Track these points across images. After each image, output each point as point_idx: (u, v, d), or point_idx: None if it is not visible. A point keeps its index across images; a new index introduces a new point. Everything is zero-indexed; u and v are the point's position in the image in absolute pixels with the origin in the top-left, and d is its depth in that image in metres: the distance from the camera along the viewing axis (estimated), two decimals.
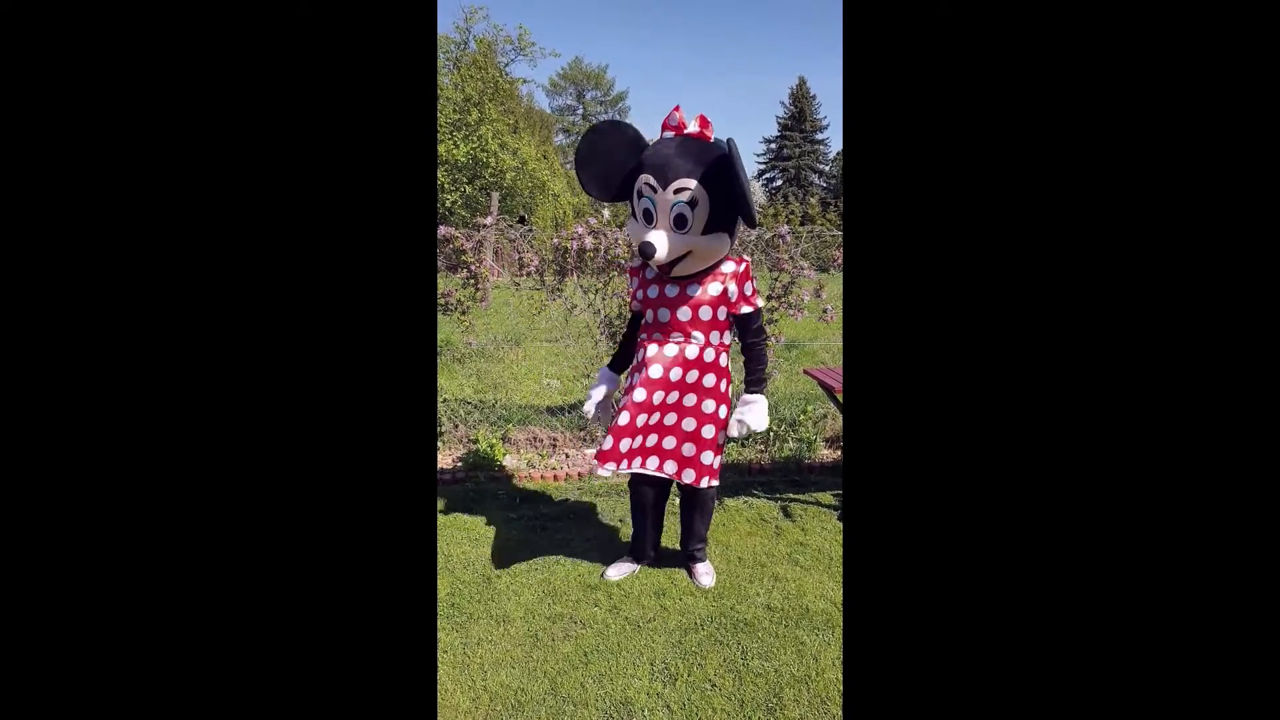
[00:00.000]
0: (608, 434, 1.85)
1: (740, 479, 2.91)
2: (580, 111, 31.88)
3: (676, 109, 1.81)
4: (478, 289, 3.15)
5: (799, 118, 33.82)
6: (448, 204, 13.75)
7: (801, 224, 3.48)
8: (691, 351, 1.85)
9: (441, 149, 13.46)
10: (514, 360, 4.97)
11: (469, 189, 14.01)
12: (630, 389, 1.88)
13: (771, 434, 3.20)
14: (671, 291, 1.84)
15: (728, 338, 1.92)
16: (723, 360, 1.90)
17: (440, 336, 5.07)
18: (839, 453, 3.17)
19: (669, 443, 1.87)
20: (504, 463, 3.00)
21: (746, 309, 1.89)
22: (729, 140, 1.68)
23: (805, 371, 2.91)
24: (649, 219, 1.76)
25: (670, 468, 1.88)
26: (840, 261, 3.17)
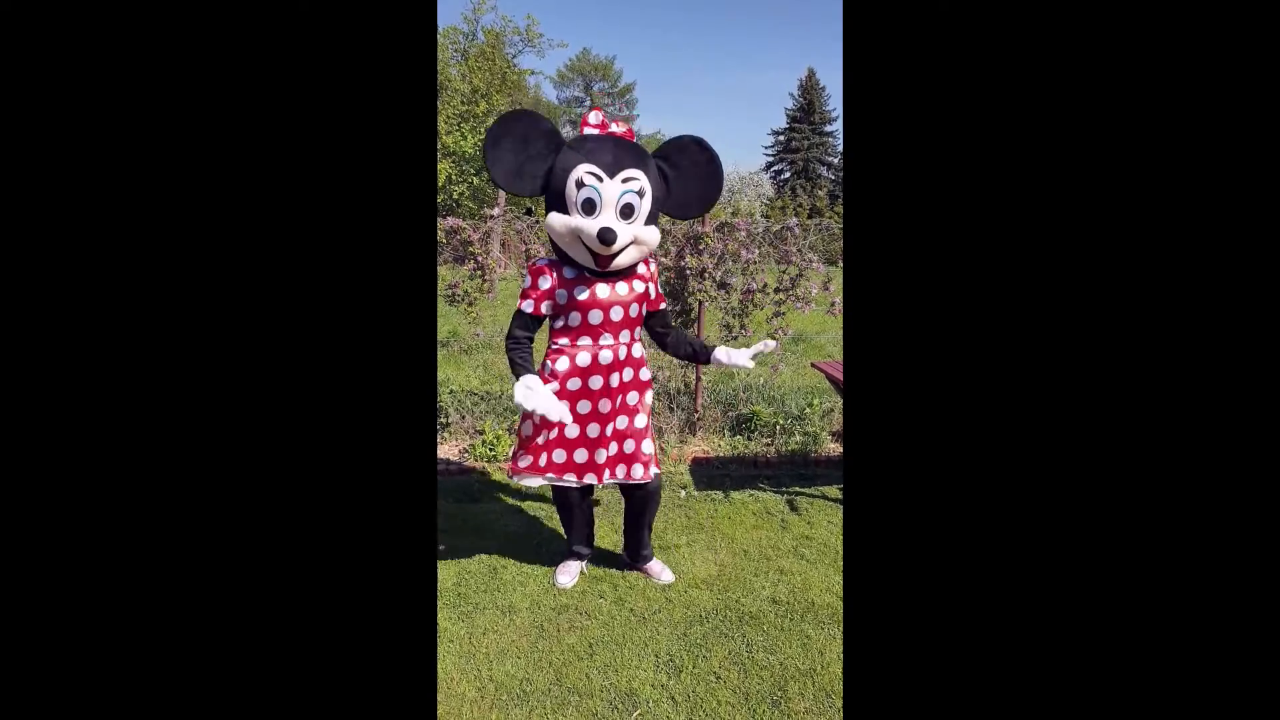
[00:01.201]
0: (552, 446, 1.84)
1: (746, 472, 2.90)
2: (588, 103, 31.79)
3: (597, 108, 1.88)
4: (485, 280, 3.15)
5: (808, 110, 33.62)
6: (455, 195, 13.75)
7: (810, 217, 3.46)
8: (621, 352, 1.85)
9: (449, 141, 13.45)
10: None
11: (476, 181, 14.00)
12: (570, 397, 1.82)
13: (778, 427, 3.19)
14: (603, 291, 1.80)
15: (639, 331, 1.95)
16: (639, 351, 1.92)
17: (447, 328, 5.08)
18: (843, 446, 3.16)
19: (628, 446, 1.90)
20: (510, 453, 3.00)
21: (663, 305, 1.99)
22: (692, 136, 1.86)
23: (813, 365, 2.90)
24: (590, 209, 1.72)
25: (637, 471, 1.91)
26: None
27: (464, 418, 3.29)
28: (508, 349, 1.84)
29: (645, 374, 1.93)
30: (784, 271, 3.12)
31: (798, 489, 2.71)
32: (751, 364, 1.91)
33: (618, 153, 1.75)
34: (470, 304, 3.15)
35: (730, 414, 3.37)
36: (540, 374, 1.81)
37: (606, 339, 1.83)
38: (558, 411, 1.70)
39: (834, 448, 3.15)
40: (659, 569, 2.05)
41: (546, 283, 1.82)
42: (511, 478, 1.93)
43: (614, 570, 2.06)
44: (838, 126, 33.85)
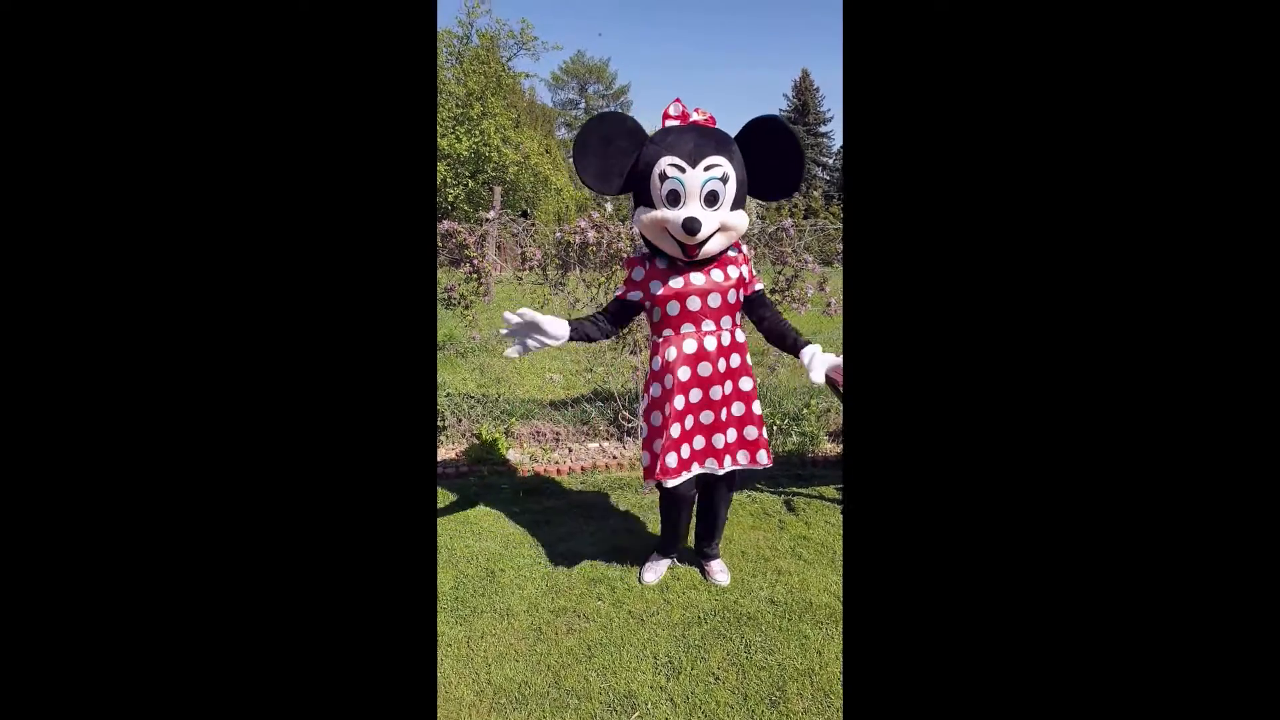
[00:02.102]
0: (675, 443, 1.82)
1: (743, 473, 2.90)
2: (583, 105, 31.80)
3: (678, 100, 1.83)
4: (480, 283, 3.15)
5: (802, 110, 33.67)
6: (450, 199, 13.74)
7: (805, 217, 3.47)
8: (725, 339, 1.83)
9: (444, 143, 13.44)
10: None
11: (471, 184, 14.00)
12: (668, 395, 1.81)
13: (775, 428, 3.19)
14: (698, 280, 1.80)
15: (740, 316, 1.93)
16: (741, 337, 1.90)
17: (443, 331, 5.08)
18: (842, 447, 3.16)
19: (750, 433, 1.87)
20: (507, 457, 3.00)
21: (758, 286, 1.94)
22: (775, 117, 1.82)
23: None
24: (674, 200, 1.72)
25: (762, 458, 1.88)
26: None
27: (460, 421, 3.29)
28: (585, 319, 1.89)
29: (749, 359, 1.90)
30: (780, 272, 3.13)
31: (795, 489, 2.71)
32: (821, 379, 1.75)
33: (699, 141, 1.73)
34: (466, 307, 3.15)
35: None
36: (650, 368, 1.89)
37: (709, 325, 1.83)
38: (517, 319, 1.73)
39: (831, 448, 3.16)
40: (716, 569, 2.04)
41: (640, 274, 1.85)
42: (652, 483, 1.89)
43: (612, 572, 2.06)
44: (832, 127, 33.93)
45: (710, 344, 1.82)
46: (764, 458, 1.89)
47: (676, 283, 1.80)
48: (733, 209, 1.76)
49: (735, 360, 1.85)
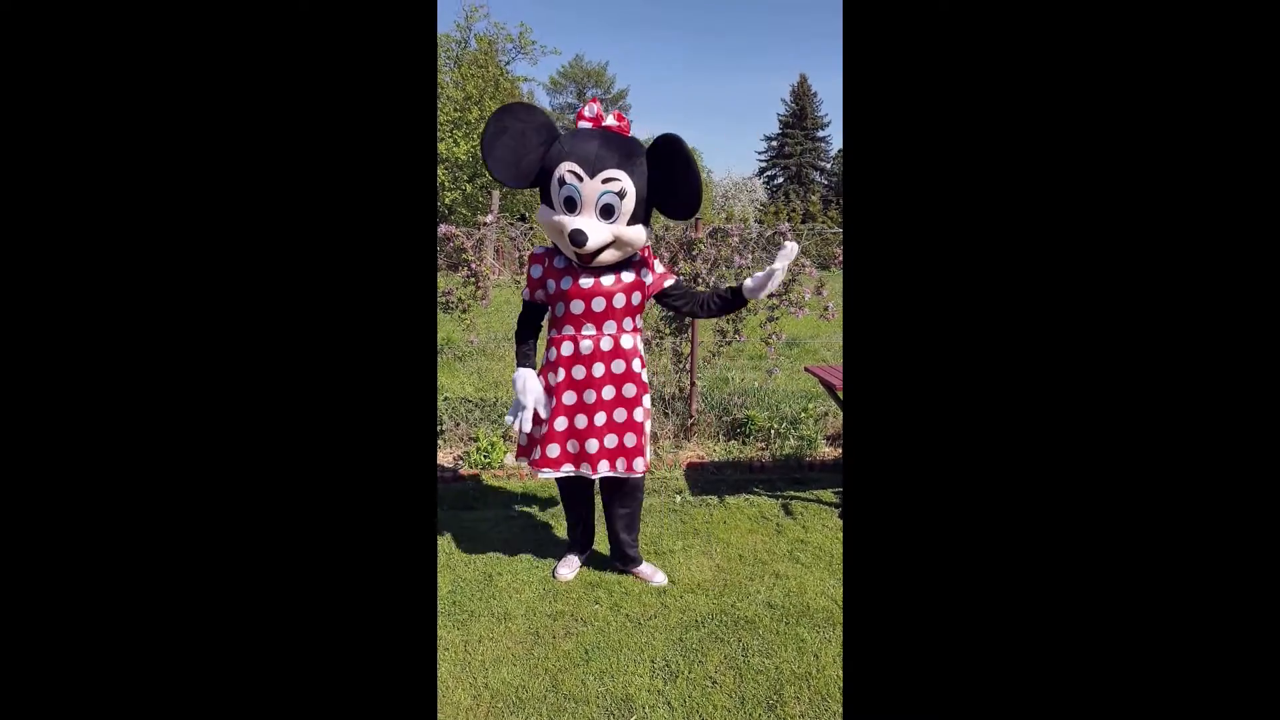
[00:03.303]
0: (542, 440, 1.90)
1: (741, 476, 2.91)
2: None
3: (594, 100, 1.84)
4: (478, 287, 3.15)
5: (800, 115, 33.78)
6: (448, 202, 13.75)
7: (803, 222, 3.48)
8: (607, 343, 1.85)
9: (441, 147, 13.45)
10: (514, 358, 4.96)
11: (469, 187, 14.00)
12: (554, 390, 1.88)
13: (773, 431, 3.20)
14: (586, 282, 1.82)
15: (639, 320, 1.93)
16: (639, 344, 1.92)
17: (441, 335, 5.08)
18: (840, 450, 3.17)
19: (610, 441, 1.88)
20: (505, 461, 3.00)
21: (669, 281, 1.93)
22: (674, 137, 1.72)
23: (806, 369, 2.91)
24: (571, 207, 1.73)
25: (621, 465, 1.90)
26: (840, 259, 3.16)
27: (458, 425, 3.29)
28: (516, 339, 1.97)
29: (639, 366, 1.89)
30: None
31: (793, 493, 2.71)
32: (781, 267, 1.78)
33: (601, 151, 1.72)
34: (464, 311, 3.15)
35: (725, 419, 3.37)
36: (546, 358, 1.92)
37: (588, 329, 1.84)
38: (524, 417, 1.85)
39: (828, 452, 3.16)
40: (650, 571, 2.05)
41: (538, 271, 1.90)
42: (527, 467, 2.00)
43: (610, 576, 2.06)
44: (829, 132, 34.04)
45: (586, 347, 1.85)
46: (639, 465, 1.90)
47: (566, 284, 1.84)
48: (631, 223, 1.76)
49: (619, 366, 1.87)
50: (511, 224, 3.33)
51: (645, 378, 1.92)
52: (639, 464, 1.90)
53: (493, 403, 3.58)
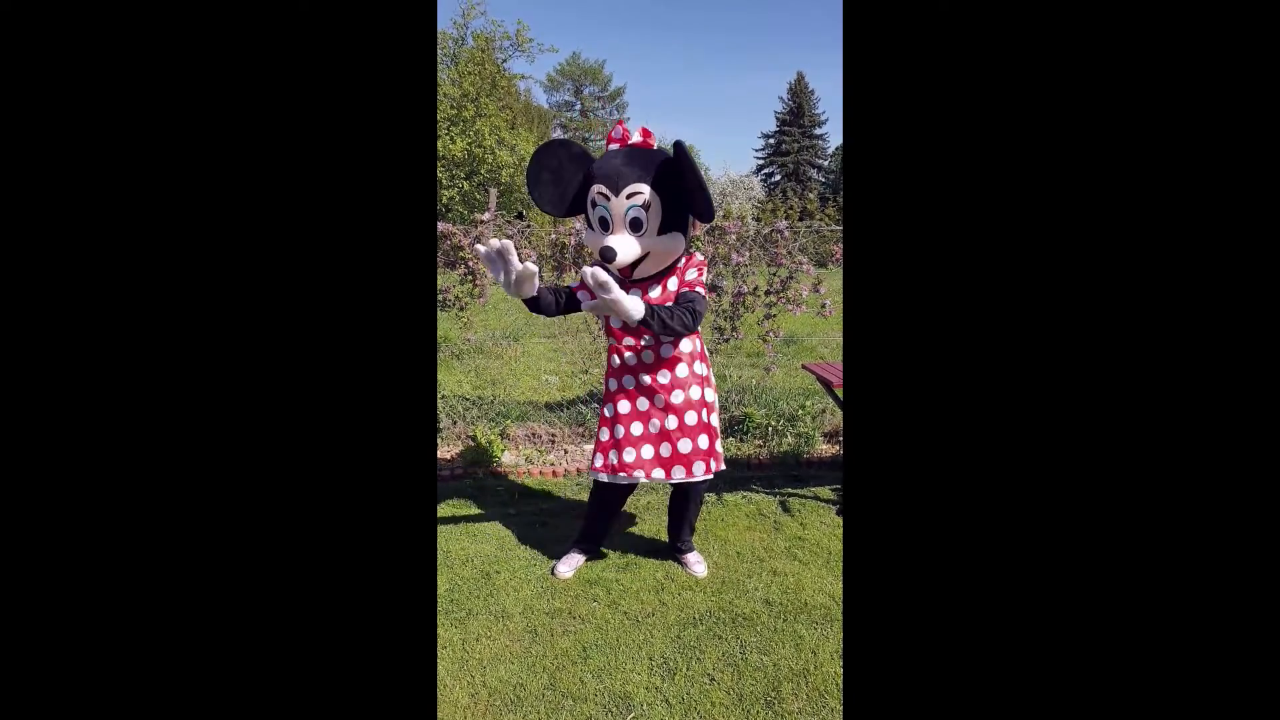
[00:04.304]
0: (606, 447, 1.96)
1: (739, 474, 2.91)
2: (578, 107, 31.82)
3: (620, 123, 1.91)
4: (476, 285, 3.15)
5: (797, 113, 33.77)
6: (445, 200, 13.72)
7: (800, 219, 3.47)
8: (647, 356, 1.92)
9: (438, 145, 13.43)
10: (512, 356, 4.97)
11: (466, 185, 13.98)
12: (613, 399, 1.96)
13: (770, 429, 3.20)
14: (635, 295, 1.85)
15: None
16: (697, 345, 1.97)
17: (439, 333, 5.07)
18: (837, 448, 3.17)
19: (684, 446, 1.93)
20: (502, 459, 3.00)
21: (684, 289, 1.87)
22: (677, 143, 1.73)
23: (804, 366, 2.91)
24: (605, 226, 1.80)
25: (678, 473, 1.94)
26: (838, 257, 3.17)
27: (456, 423, 3.28)
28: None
29: (703, 370, 1.96)
30: (774, 274, 3.13)
31: (790, 490, 2.71)
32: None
33: (623, 168, 1.77)
34: (461, 309, 3.14)
35: (723, 416, 3.38)
36: (607, 368, 2.00)
37: (646, 340, 1.91)
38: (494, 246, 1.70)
39: (826, 449, 3.17)
40: (694, 560, 2.11)
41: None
42: (596, 478, 2.03)
43: (608, 574, 2.06)
44: (827, 129, 34.04)
45: (631, 360, 1.93)
46: (681, 473, 1.93)
47: None
48: (664, 232, 1.79)
49: (664, 377, 1.92)
50: (509, 222, 3.32)
51: (711, 378, 2.00)
52: (698, 469, 1.94)
53: (490, 401, 3.57)
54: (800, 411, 3.32)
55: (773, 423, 3.23)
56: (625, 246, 1.76)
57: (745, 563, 2.13)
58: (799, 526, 2.39)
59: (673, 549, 2.15)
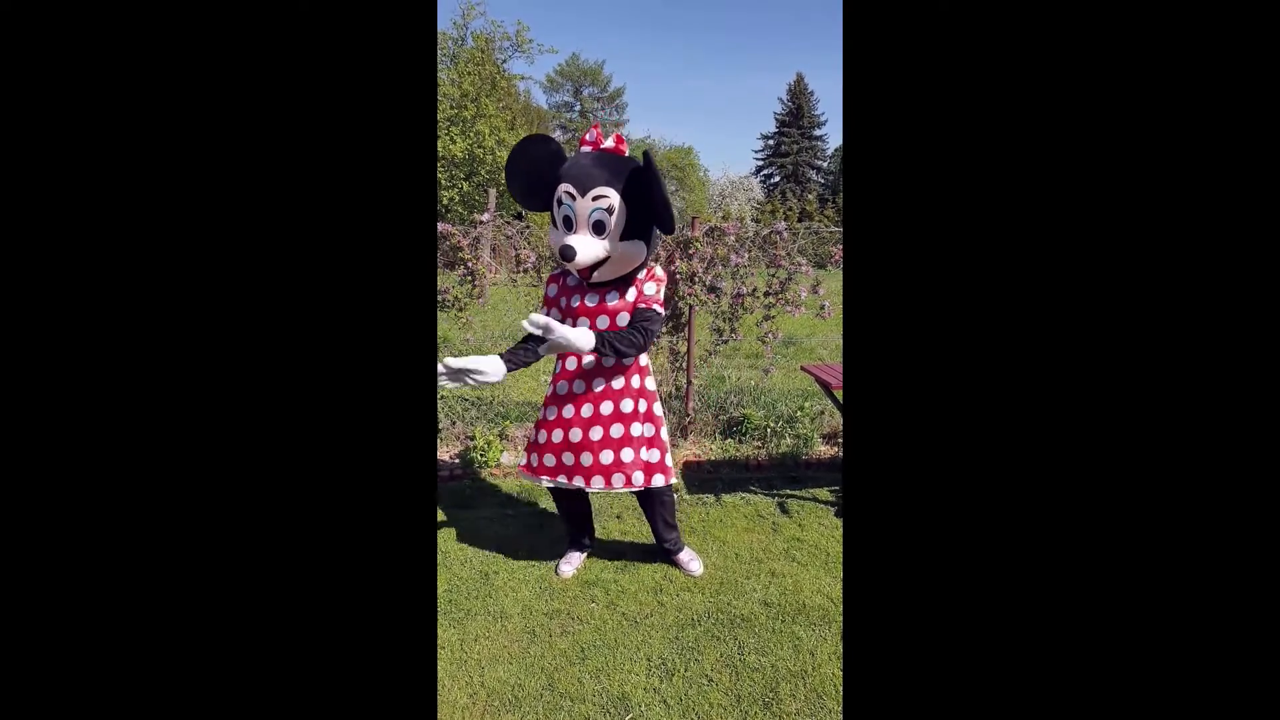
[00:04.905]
0: (530, 449, 1.99)
1: (737, 475, 2.91)
2: (578, 108, 31.82)
3: (595, 126, 1.92)
4: (475, 286, 3.15)
5: (797, 114, 33.81)
6: (444, 201, 13.72)
7: (799, 220, 3.48)
8: (609, 360, 1.88)
9: (438, 145, 13.42)
10: None
11: (466, 186, 13.98)
12: (551, 402, 1.96)
13: (769, 430, 3.20)
14: (591, 300, 1.88)
15: None
16: (642, 359, 1.96)
17: (438, 334, 5.07)
18: (836, 449, 3.17)
19: (605, 457, 1.91)
20: (501, 460, 3.00)
21: (642, 305, 1.87)
22: (645, 153, 1.76)
23: (802, 368, 2.92)
24: (569, 225, 1.81)
25: (618, 481, 1.91)
26: (837, 258, 3.17)
27: (454, 424, 3.28)
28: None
29: (639, 383, 1.94)
30: (773, 275, 3.14)
31: (789, 492, 2.72)
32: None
33: (593, 170, 1.78)
34: (461, 310, 3.14)
35: (721, 417, 3.38)
36: (553, 373, 1.99)
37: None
38: (470, 367, 1.74)
39: (825, 450, 3.17)
40: (687, 559, 2.11)
41: (554, 290, 1.99)
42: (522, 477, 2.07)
43: (606, 575, 2.07)
44: (826, 130, 34.07)
45: (589, 363, 1.91)
46: (620, 481, 1.91)
47: (575, 302, 1.91)
48: (626, 238, 1.79)
49: (618, 383, 1.91)
50: (508, 222, 3.32)
51: (652, 388, 1.98)
52: (638, 477, 1.92)
53: (489, 402, 3.57)
54: (799, 413, 3.33)
55: (771, 424, 3.23)
56: (586, 247, 1.77)
57: (743, 564, 2.13)
58: (797, 528, 2.39)
59: (661, 552, 2.15)
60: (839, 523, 2.42)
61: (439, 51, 14.75)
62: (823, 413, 3.41)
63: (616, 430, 1.91)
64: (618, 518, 2.49)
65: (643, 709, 1.50)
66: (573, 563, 2.11)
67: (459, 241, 3.01)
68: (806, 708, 1.50)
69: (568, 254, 1.75)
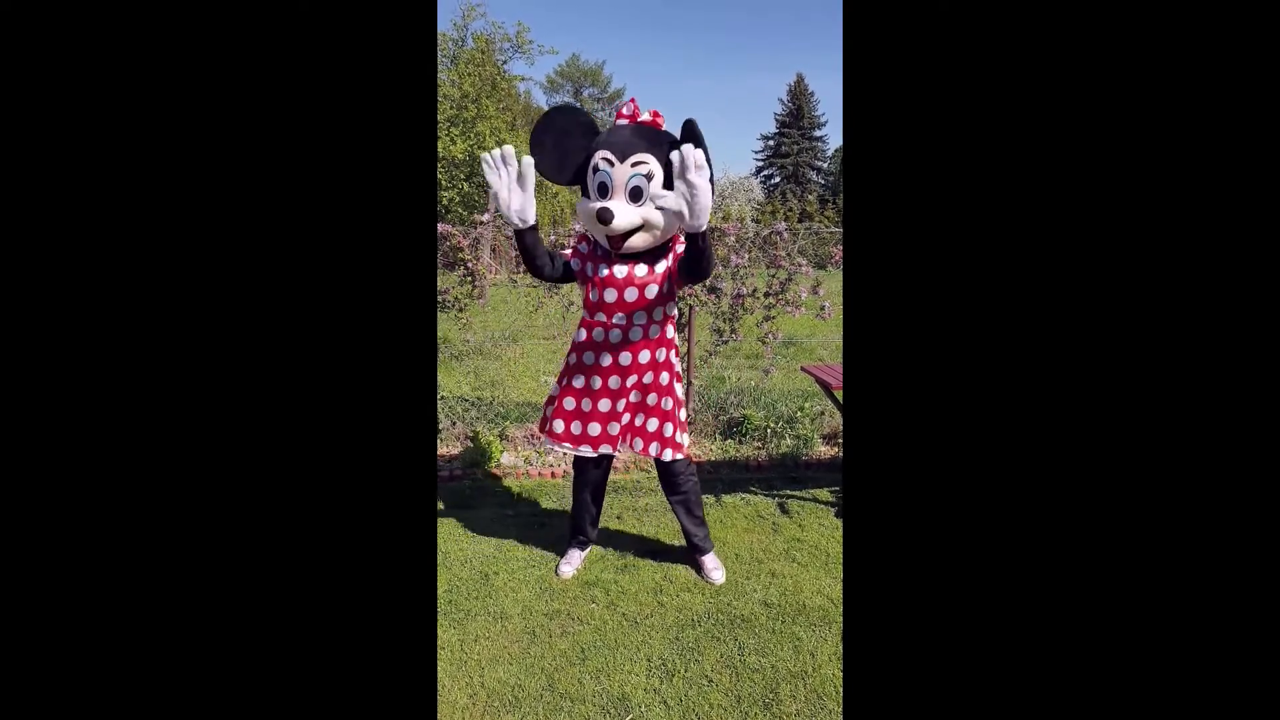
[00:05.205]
0: (569, 416, 1.97)
1: (738, 475, 2.91)
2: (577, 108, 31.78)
3: (632, 100, 1.90)
4: (475, 286, 3.15)
5: (797, 115, 33.82)
6: (444, 201, 13.71)
7: (799, 221, 3.49)
8: (636, 333, 1.89)
9: (438, 146, 13.42)
10: (511, 358, 4.97)
11: (466, 186, 13.97)
12: (576, 371, 1.94)
13: (769, 431, 3.20)
14: (620, 270, 1.87)
15: (672, 309, 1.96)
16: (669, 332, 1.96)
17: (438, 334, 5.07)
18: (836, 449, 3.17)
19: (643, 423, 1.94)
20: (501, 460, 3.00)
21: (680, 245, 1.85)
22: (689, 120, 1.73)
23: (803, 368, 2.92)
24: (604, 192, 1.80)
25: (655, 449, 1.94)
26: (837, 259, 3.17)
27: (455, 424, 3.28)
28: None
29: (664, 355, 1.94)
30: (774, 276, 3.14)
31: (789, 492, 2.71)
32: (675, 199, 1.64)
33: (632, 138, 1.79)
34: (461, 310, 3.15)
35: (721, 418, 3.38)
36: (573, 343, 1.96)
37: (618, 318, 1.89)
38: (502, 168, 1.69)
39: (825, 451, 3.17)
40: (711, 566, 2.06)
41: (585, 248, 1.93)
42: (543, 442, 2.04)
43: (606, 575, 2.07)
44: (826, 131, 34.08)
45: (615, 336, 1.89)
46: (655, 449, 1.94)
47: (602, 271, 1.88)
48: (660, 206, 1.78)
49: (645, 355, 1.91)
50: (508, 222, 3.32)
51: (679, 367, 1.98)
52: (669, 453, 1.94)
53: (489, 402, 3.57)
54: (799, 413, 3.33)
55: (771, 425, 3.23)
56: (624, 212, 1.75)
57: (743, 564, 2.13)
58: (797, 528, 2.39)
59: (690, 548, 2.11)
60: (839, 523, 2.42)
61: (439, 53, 14.75)
62: (823, 413, 3.41)
63: (651, 399, 1.93)
64: (618, 518, 2.48)
65: (643, 709, 1.50)
66: (573, 562, 2.10)
67: (459, 242, 3.01)
68: (807, 708, 1.50)
69: (605, 216, 1.73)
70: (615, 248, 1.83)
